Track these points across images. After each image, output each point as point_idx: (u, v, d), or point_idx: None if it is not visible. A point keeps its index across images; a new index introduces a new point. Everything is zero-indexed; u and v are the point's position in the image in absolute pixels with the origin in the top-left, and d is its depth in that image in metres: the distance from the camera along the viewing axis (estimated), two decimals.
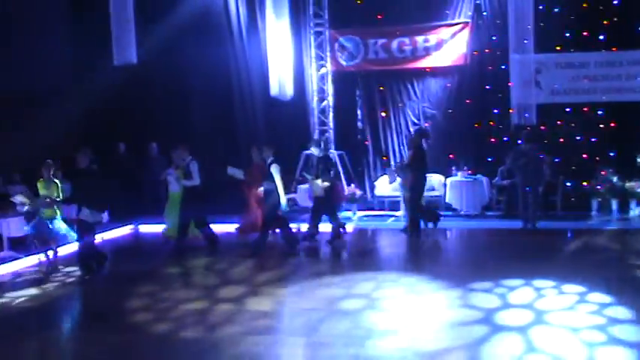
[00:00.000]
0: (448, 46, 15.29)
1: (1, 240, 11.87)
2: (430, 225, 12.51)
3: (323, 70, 15.65)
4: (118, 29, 13.97)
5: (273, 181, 10.76)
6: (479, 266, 9.84)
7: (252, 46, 15.96)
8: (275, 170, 10.79)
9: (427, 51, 15.37)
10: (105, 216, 13.50)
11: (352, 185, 14.70)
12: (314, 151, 11.90)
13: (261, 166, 11.49)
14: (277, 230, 11.64)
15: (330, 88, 15.72)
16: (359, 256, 11.31)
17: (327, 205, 11.63)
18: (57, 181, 10.54)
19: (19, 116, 14.03)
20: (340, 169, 15.23)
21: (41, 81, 14.44)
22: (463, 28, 15.25)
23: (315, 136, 15.67)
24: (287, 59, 14.55)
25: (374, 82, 15.87)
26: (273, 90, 14.43)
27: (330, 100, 15.73)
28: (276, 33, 14.23)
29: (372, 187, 15.53)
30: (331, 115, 15.73)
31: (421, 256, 11.19)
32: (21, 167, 12.37)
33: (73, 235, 10.42)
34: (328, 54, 15.59)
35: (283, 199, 10.75)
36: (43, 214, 10.53)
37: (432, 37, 15.34)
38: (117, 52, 13.85)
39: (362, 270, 9.72)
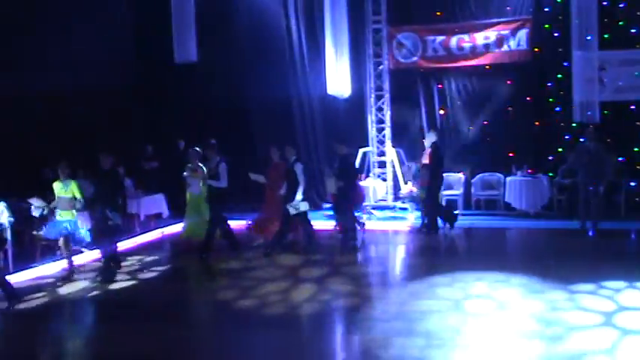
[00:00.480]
0: (508, 42, 15.06)
1: None
2: (447, 225, 12.56)
3: (381, 68, 15.58)
4: (179, 27, 14.11)
5: (295, 181, 10.74)
6: (571, 267, 9.74)
7: (310, 43, 15.99)
8: (298, 170, 10.78)
9: (487, 48, 15.17)
10: (165, 211, 14.12)
11: (409, 183, 14.52)
12: (340, 149, 11.52)
13: (279, 166, 11.44)
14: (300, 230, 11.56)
15: (387, 86, 15.64)
16: (447, 255, 11.36)
17: (340, 203, 11.40)
18: (73, 181, 10.23)
19: (80, 114, 14.29)
20: (397, 166, 15.15)
21: (103, 79, 14.63)
22: (524, 25, 14.99)
23: (373, 133, 15.64)
24: (344, 57, 14.51)
25: (432, 80, 15.73)
26: (331, 88, 14.43)
27: (387, 97, 15.63)
28: (334, 30, 14.23)
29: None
30: (388, 112, 15.65)
31: (506, 254, 11.33)
32: (83, 164, 12.29)
33: (88, 237, 10.55)
34: (386, 51, 15.53)
35: (299, 198, 10.78)
36: (60, 216, 10.29)
37: (492, 34, 15.13)
38: (177, 50, 13.99)
39: (464, 269, 9.70)
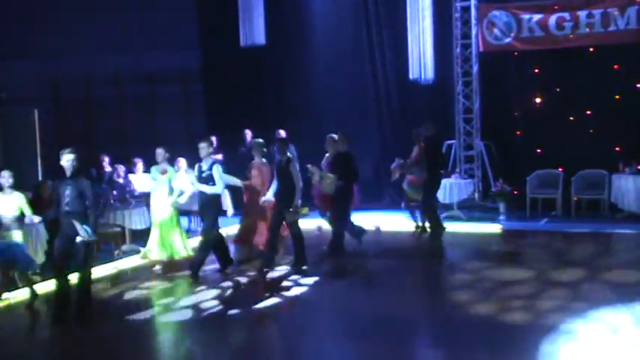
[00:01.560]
0: (615, 21, 13.58)
1: (124, 233, 11.62)
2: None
3: (469, 51, 14.45)
4: (245, 7, 13.62)
5: (290, 183, 9.52)
6: None
7: (389, 22, 15.07)
8: (294, 170, 9.62)
9: (590, 28, 13.72)
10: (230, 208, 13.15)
11: (500, 181, 13.34)
12: (332, 148, 10.54)
13: (262, 166, 10.38)
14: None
15: (476, 71, 14.47)
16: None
17: (335, 205, 10.45)
18: (17, 192, 8.85)
19: (147, 98, 14.41)
20: (486, 160, 13.99)
21: (167, 63, 14.51)
22: (634, 1, 13.41)
23: (459, 124, 14.55)
24: (428, 38, 13.64)
25: (528, 64, 14.40)
26: (413, 72, 13.66)
27: (476, 84, 14.47)
28: (416, 8, 13.44)
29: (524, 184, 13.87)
30: (477, 100, 14.46)
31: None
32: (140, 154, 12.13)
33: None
34: (475, 32, 14.38)
35: (298, 202, 9.65)
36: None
37: (597, 12, 13.67)
38: (244, 33, 13.49)
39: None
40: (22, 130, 14.68)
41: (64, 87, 14.60)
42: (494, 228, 12.45)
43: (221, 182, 9.36)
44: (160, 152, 10.36)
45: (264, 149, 10.48)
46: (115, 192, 11.78)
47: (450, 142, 14.35)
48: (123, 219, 11.43)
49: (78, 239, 7.41)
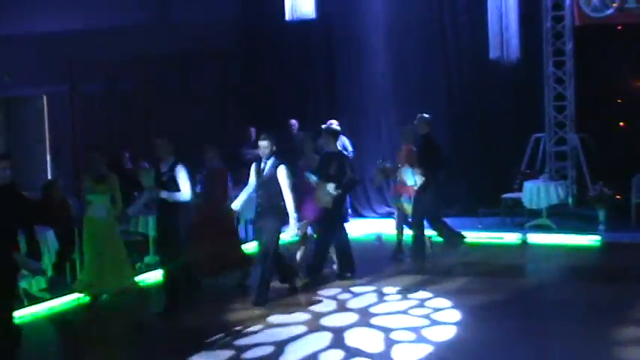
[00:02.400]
0: None
1: (147, 241, 10.79)
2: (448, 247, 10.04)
3: (562, 25, 12.81)
4: None
5: (277, 192, 7.98)
6: None
7: None
8: (282, 174, 7.99)
9: None
10: None
11: (599, 183, 11.68)
12: (329, 143, 9.05)
13: (220, 173, 9.04)
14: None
15: (571, 49, 12.77)
16: None
17: (329, 218, 8.88)
18: None
19: (183, 79, 14.03)
20: (582, 158, 12.33)
21: (205, 41, 13.92)
22: None
23: (549, 114, 12.76)
24: (512, 8, 12.09)
25: (632, 41, 12.70)
26: (494, 51, 12.12)
27: (570, 64, 12.78)
28: None
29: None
30: (571, 85, 12.79)
31: None
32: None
33: None
34: (569, 3, 12.70)
35: (293, 217, 8.03)
36: None
37: None
38: (290, 5, 12.24)
39: None
40: (29, 120, 14.46)
41: (78, 70, 13.78)
42: (592, 240, 11.22)
43: (187, 185, 7.95)
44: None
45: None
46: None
47: (537, 135, 12.77)
48: (146, 226, 10.55)
49: None
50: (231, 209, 8.46)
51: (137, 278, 9.04)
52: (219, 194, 8.90)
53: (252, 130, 12.96)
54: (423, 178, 9.30)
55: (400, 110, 13.23)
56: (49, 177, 13.17)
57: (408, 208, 9.86)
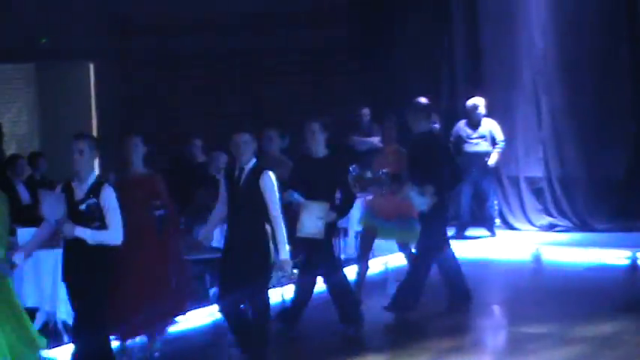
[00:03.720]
0: None
1: None
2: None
3: None
4: None
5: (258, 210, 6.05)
6: None
7: None
8: (266, 184, 6.11)
9: None
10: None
11: None
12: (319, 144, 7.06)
13: (150, 181, 6.80)
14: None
15: None
16: None
17: (322, 254, 6.95)
18: None
19: (256, 50, 12.85)
20: None
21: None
22: None
23: None
24: None
25: None
26: None
27: None
28: None
29: None
30: None
31: None
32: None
33: None
34: None
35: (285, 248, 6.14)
36: None
37: None
38: None
39: None
40: (69, 91, 13.01)
41: (129, 35, 12.76)
42: None
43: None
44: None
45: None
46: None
47: None
48: None
49: None
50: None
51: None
52: None
53: (365, 111, 11.62)
54: (436, 198, 7.32)
55: (568, 89, 10.95)
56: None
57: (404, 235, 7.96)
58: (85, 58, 12.87)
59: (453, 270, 7.55)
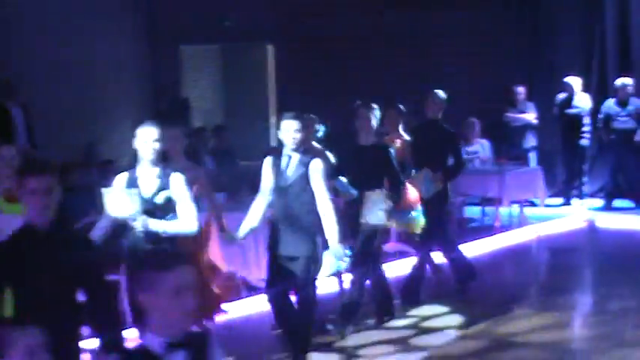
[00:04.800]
0: None
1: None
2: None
3: None
4: None
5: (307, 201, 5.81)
6: None
7: None
8: (318, 175, 5.81)
9: None
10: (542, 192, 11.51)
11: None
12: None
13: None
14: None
15: None
16: None
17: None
18: None
19: (421, 27, 12.98)
20: None
21: None
22: None
23: None
24: None
25: None
26: None
27: None
28: None
29: None
30: None
31: None
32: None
33: None
34: None
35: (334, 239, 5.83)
36: None
37: None
38: None
39: None
40: (250, 70, 14.02)
41: (308, 17, 13.26)
42: None
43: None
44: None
45: None
46: None
47: None
48: None
49: None
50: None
51: None
52: None
53: (520, 89, 11.62)
54: (441, 185, 7.39)
55: None
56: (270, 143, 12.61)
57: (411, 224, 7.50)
58: (264, 39, 13.70)
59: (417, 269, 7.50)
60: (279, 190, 5.62)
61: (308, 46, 13.28)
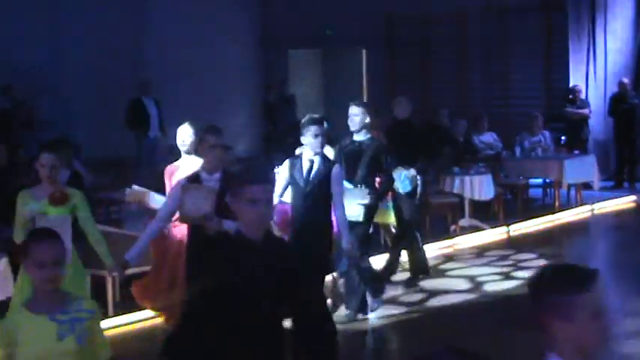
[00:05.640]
0: None
1: (463, 205, 10.48)
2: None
3: None
4: None
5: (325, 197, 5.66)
6: None
7: None
8: (336, 176, 5.75)
9: None
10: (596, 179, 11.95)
11: None
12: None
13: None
14: None
15: None
16: None
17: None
18: None
19: (498, 36, 13.67)
20: None
21: None
22: None
23: None
24: None
25: None
26: None
27: None
28: None
29: None
30: None
31: None
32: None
33: None
34: None
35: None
36: None
37: None
38: None
39: None
40: (347, 72, 15.14)
41: (396, 26, 14.43)
42: None
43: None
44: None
45: None
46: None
47: None
48: (462, 187, 10.32)
49: None
50: None
51: None
52: None
53: (579, 87, 12.35)
54: (416, 180, 7.42)
55: None
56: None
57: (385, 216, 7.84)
58: (360, 45, 14.95)
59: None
60: (301, 192, 5.52)
61: (395, 51, 14.38)
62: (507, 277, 8.33)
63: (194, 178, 5.10)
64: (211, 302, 3.18)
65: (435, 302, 7.44)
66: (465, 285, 8.06)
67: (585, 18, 12.89)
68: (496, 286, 8.02)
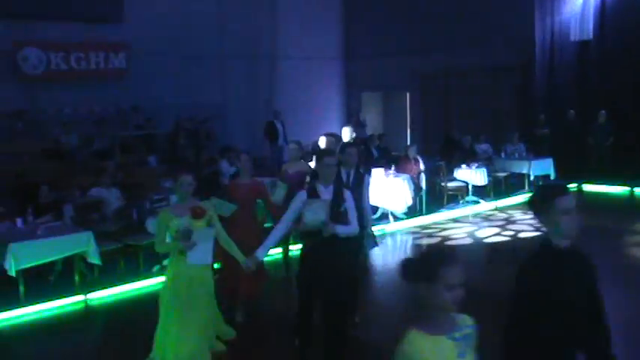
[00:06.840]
0: None
1: (468, 188, 12.74)
2: None
3: None
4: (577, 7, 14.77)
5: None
6: None
7: None
8: (366, 183, 6.45)
9: None
10: (552, 173, 13.90)
11: None
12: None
13: (250, 183, 7.10)
14: None
15: None
16: None
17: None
18: None
19: (490, 88, 16.06)
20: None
21: (504, 57, 16.21)
22: None
23: None
24: None
25: None
26: None
27: None
28: None
29: None
30: None
31: None
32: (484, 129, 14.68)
33: None
34: None
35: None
36: None
37: None
38: (575, 29, 14.83)
39: None
40: (397, 110, 18.57)
41: (428, 77, 17.28)
42: None
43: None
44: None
45: None
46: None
47: None
48: (467, 176, 12.58)
49: None
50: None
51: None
52: None
53: (602, 112, 14.00)
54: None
55: None
56: (408, 142, 15.77)
57: None
58: (404, 89, 18.09)
59: None
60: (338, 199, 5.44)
61: (428, 95, 17.25)
62: (496, 234, 9.95)
63: (312, 191, 5.21)
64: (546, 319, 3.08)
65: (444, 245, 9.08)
66: (467, 239, 9.69)
67: None
68: (487, 238, 9.71)
